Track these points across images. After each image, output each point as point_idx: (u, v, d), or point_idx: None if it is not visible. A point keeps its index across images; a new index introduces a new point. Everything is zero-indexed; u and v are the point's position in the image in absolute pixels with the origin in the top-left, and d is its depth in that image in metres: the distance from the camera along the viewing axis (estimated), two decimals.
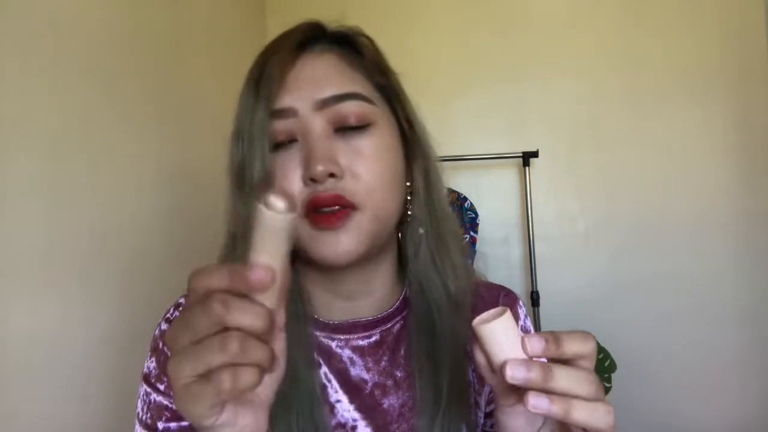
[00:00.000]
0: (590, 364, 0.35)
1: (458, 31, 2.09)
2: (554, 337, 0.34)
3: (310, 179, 0.44)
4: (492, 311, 0.36)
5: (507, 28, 2.06)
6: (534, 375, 0.32)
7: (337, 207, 0.44)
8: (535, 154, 1.89)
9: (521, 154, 1.90)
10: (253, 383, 0.29)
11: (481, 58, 2.08)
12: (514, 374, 0.33)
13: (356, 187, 0.45)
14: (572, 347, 0.34)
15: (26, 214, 0.88)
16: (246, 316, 0.28)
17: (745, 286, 1.87)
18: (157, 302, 1.20)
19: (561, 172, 2.02)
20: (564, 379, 0.33)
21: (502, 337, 0.34)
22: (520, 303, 0.59)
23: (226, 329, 0.28)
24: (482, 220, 1.93)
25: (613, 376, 1.82)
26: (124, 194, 1.14)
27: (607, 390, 1.83)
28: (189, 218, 1.39)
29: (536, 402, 0.32)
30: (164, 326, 0.52)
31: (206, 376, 0.28)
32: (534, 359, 0.34)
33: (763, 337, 1.84)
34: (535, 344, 0.34)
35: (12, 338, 0.84)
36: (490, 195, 2.07)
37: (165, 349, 0.49)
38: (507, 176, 2.07)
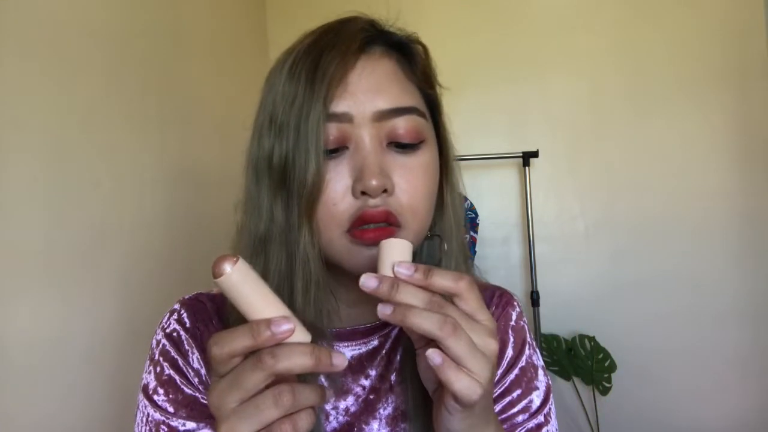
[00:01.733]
0: (467, 304, 0.37)
1: (457, 30, 2.09)
2: (425, 268, 0.36)
3: (362, 192, 0.42)
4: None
5: (507, 28, 2.07)
6: (383, 287, 0.35)
7: (384, 223, 0.43)
8: (535, 154, 1.89)
9: (521, 154, 1.90)
10: (311, 424, 0.32)
11: (481, 58, 2.08)
12: (365, 282, 0.35)
13: (402, 205, 0.44)
14: (439, 281, 0.36)
15: (27, 214, 0.88)
16: (294, 358, 0.31)
17: (745, 286, 1.87)
18: (157, 302, 1.20)
19: (561, 172, 2.02)
20: (410, 295, 0.35)
21: (384, 256, 0.38)
22: (515, 303, 0.58)
23: (273, 382, 0.32)
24: (482, 220, 1.93)
25: (613, 376, 1.82)
26: (124, 194, 1.14)
27: (607, 390, 1.83)
28: (189, 218, 1.39)
29: (381, 308, 0.35)
30: (159, 336, 0.50)
31: (267, 428, 0.31)
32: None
33: (763, 338, 1.84)
34: (404, 269, 0.36)
35: (13, 338, 0.84)
36: (490, 195, 2.07)
37: (161, 359, 0.49)
38: (507, 176, 2.07)
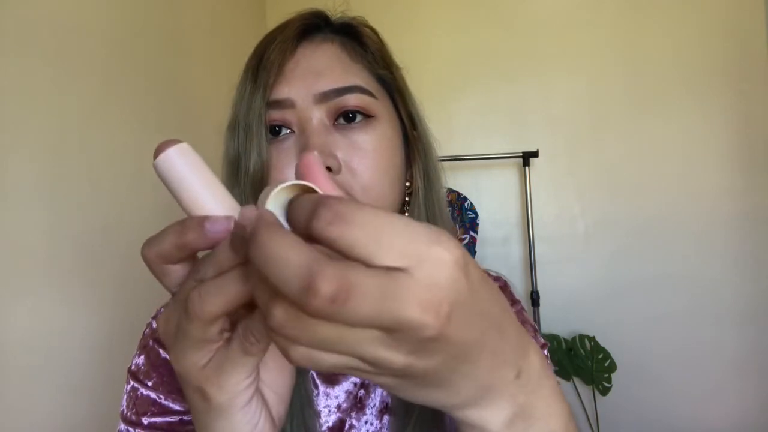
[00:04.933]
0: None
1: (457, 29, 2.09)
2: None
3: None
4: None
5: (507, 26, 2.07)
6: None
7: None
8: (535, 154, 1.89)
9: (521, 154, 1.90)
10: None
11: (481, 57, 2.08)
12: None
13: (353, 183, 0.43)
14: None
15: (27, 215, 0.88)
16: (222, 293, 0.24)
17: (746, 287, 1.87)
18: (157, 302, 1.20)
19: (561, 172, 2.02)
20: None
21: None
22: (511, 291, 0.58)
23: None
24: (482, 220, 1.93)
25: (613, 376, 1.82)
26: (124, 194, 1.14)
27: (607, 390, 1.83)
28: None
29: None
30: (155, 325, 0.51)
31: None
32: None
33: (764, 338, 1.84)
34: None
35: (13, 338, 0.84)
36: (490, 195, 2.07)
37: (156, 346, 0.49)
38: (507, 176, 2.07)
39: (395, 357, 0.20)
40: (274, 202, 0.24)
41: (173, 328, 0.27)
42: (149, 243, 0.27)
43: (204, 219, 0.26)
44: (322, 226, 0.19)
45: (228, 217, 0.25)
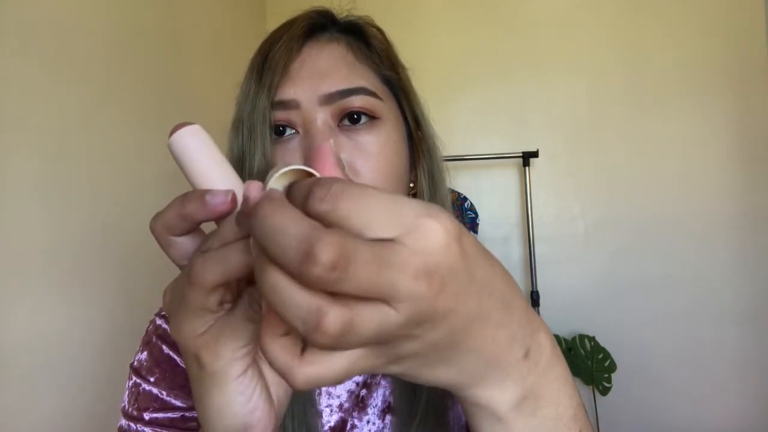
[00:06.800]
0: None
1: (457, 29, 2.09)
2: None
3: None
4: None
5: (507, 26, 2.07)
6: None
7: None
8: (535, 154, 1.89)
9: (521, 154, 1.90)
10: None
11: (481, 57, 2.08)
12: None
13: None
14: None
15: (27, 215, 0.88)
16: (225, 262, 0.25)
17: (746, 286, 1.87)
18: (156, 301, 1.20)
19: (561, 172, 2.02)
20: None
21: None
22: None
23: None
24: (482, 220, 1.93)
25: (613, 376, 1.82)
26: (124, 194, 1.14)
27: (607, 390, 1.83)
28: None
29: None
30: (159, 321, 0.51)
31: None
32: None
33: (764, 338, 1.84)
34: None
35: (13, 338, 0.84)
36: (490, 195, 2.07)
37: (159, 342, 0.49)
38: (507, 176, 2.07)
39: (405, 331, 0.21)
40: (278, 183, 0.26)
41: (177, 298, 0.28)
42: (156, 216, 0.28)
43: (205, 191, 0.27)
44: (316, 203, 0.20)
45: (227, 191, 0.27)
